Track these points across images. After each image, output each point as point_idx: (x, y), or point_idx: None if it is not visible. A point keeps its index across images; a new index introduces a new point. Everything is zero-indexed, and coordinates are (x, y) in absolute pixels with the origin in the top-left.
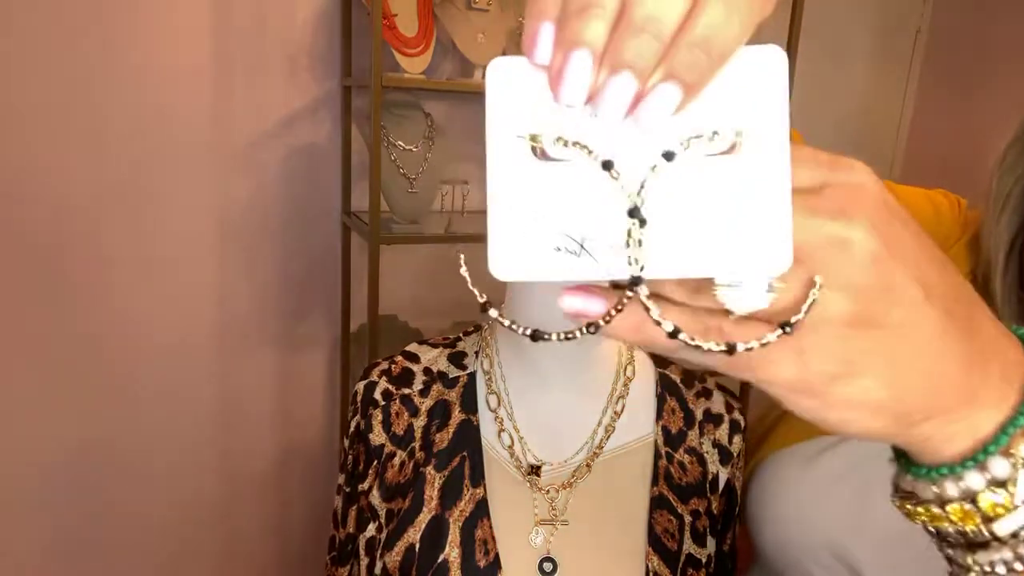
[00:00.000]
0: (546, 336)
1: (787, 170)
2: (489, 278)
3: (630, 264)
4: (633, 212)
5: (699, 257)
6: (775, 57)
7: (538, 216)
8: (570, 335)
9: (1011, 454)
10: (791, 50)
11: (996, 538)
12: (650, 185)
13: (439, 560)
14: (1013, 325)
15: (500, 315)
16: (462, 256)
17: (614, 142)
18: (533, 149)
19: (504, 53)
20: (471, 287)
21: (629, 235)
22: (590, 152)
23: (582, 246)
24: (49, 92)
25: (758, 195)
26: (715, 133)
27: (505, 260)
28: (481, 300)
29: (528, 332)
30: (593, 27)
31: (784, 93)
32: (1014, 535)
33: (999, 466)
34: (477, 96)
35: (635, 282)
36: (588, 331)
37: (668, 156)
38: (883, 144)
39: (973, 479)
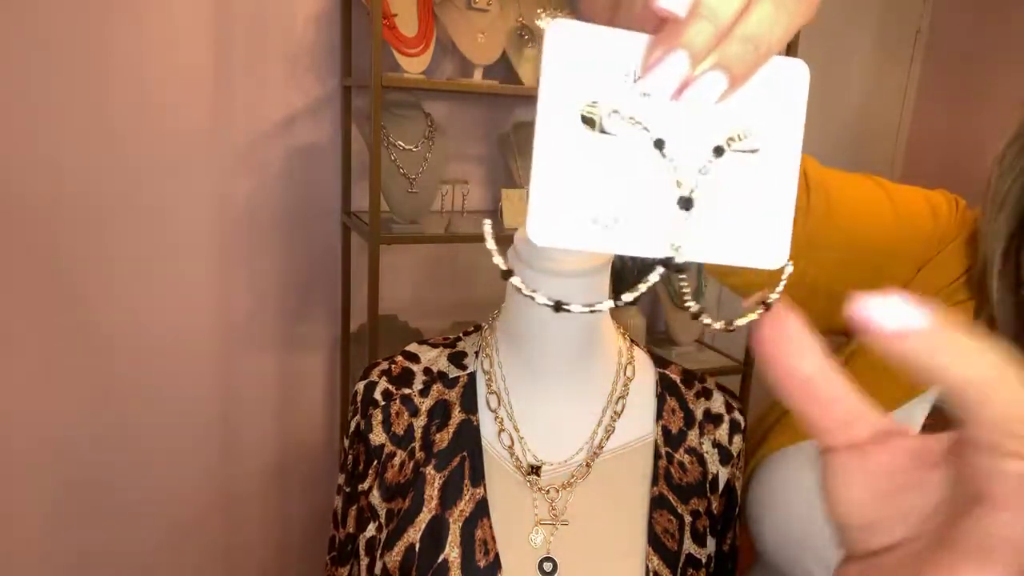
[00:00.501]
0: (567, 307)
1: (796, 175)
2: (484, 277)
3: (672, 247)
4: (686, 202)
5: (715, 246)
6: (800, 71)
7: (580, 186)
8: (593, 308)
9: None
10: (791, 50)
11: None
12: (702, 177)
13: (439, 560)
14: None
15: (522, 284)
16: (488, 223)
17: (661, 126)
18: (585, 119)
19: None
20: (495, 256)
21: (684, 208)
22: (647, 129)
23: (617, 220)
24: (49, 92)
25: (767, 195)
26: (744, 136)
27: (543, 225)
28: (504, 268)
29: (551, 303)
30: (700, 28)
31: (803, 105)
32: None
33: None
34: (477, 96)
35: (666, 263)
36: (620, 302)
37: (718, 151)
38: (883, 144)
39: None
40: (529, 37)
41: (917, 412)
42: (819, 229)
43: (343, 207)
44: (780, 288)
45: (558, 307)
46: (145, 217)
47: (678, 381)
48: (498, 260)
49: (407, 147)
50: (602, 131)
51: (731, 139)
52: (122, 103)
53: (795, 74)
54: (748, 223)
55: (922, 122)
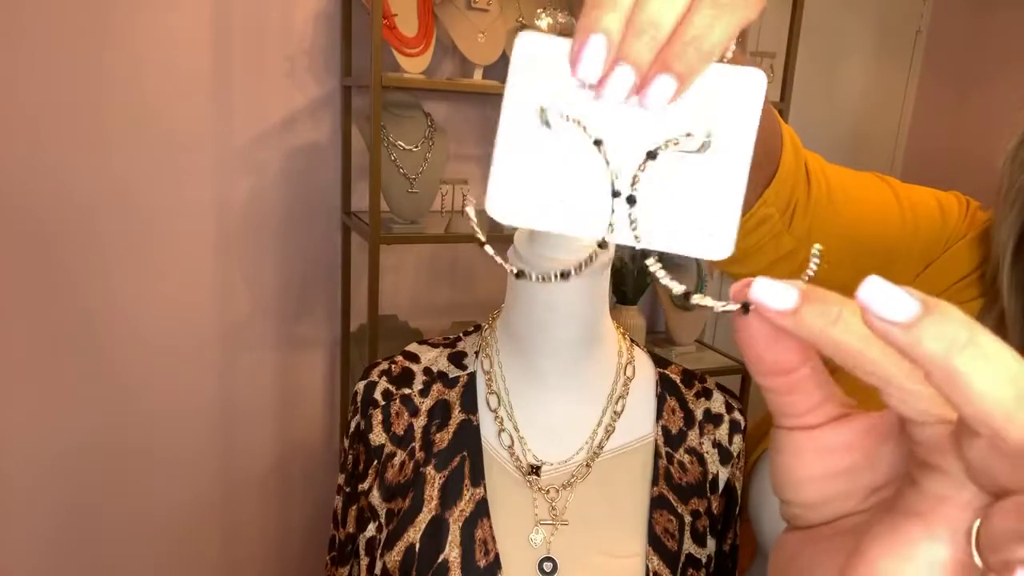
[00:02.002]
0: (529, 276)
1: (746, 175)
2: (484, 277)
3: (608, 229)
4: (619, 194)
5: (659, 234)
6: (756, 79)
7: (532, 174)
8: (545, 277)
9: None
10: (791, 50)
11: None
12: (638, 176)
13: (439, 560)
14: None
15: (495, 253)
16: (471, 202)
17: (609, 126)
18: (540, 118)
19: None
20: (474, 227)
21: (613, 207)
22: (585, 129)
23: (562, 204)
24: (49, 92)
25: (717, 192)
26: (688, 135)
27: (500, 204)
28: (482, 239)
29: (514, 271)
30: (609, 18)
31: (757, 110)
32: None
33: None
34: (477, 96)
35: (602, 244)
36: (562, 277)
37: (652, 155)
38: (883, 144)
39: None
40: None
41: None
42: (819, 220)
43: (343, 207)
44: (812, 270)
45: (519, 275)
46: (145, 217)
47: (678, 381)
48: (477, 230)
49: (407, 147)
50: (553, 129)
51: (670, 141)
52: (122, 103)
53: (752, 82)
54: (695, 216)
55: (922, 122)
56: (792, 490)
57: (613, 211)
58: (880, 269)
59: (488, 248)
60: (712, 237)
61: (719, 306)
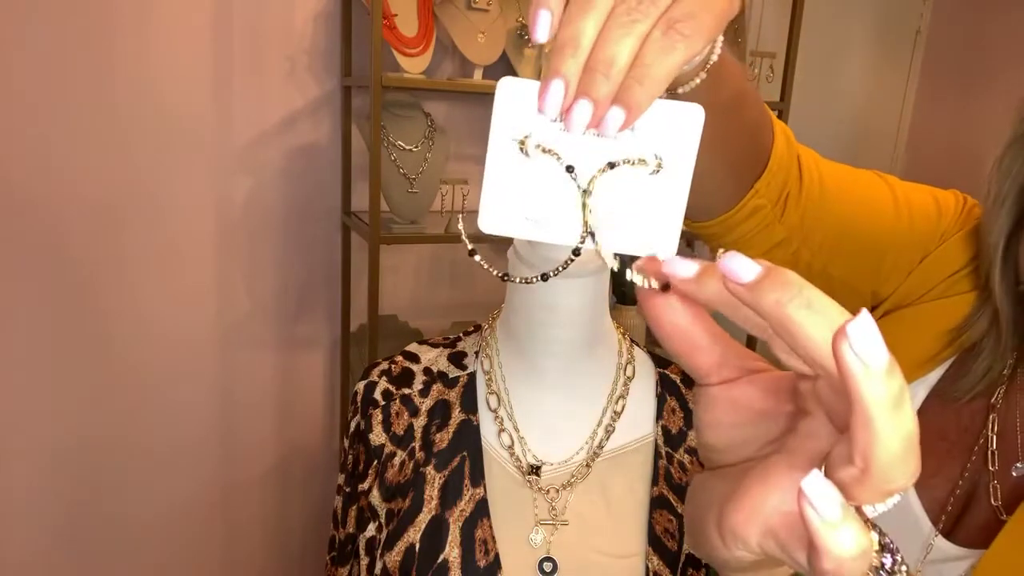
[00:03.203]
0: (514, 279)
1: (687, 190)
2: (484, 277)
3: (583, 230)
4: (584, 194)
5: (619, 239)
6: (696, 113)
7: (515, 194)
8: (529, 280)
9: None
10: (791, 50)
11: None
12: (598, 180)
13: (439, 560)
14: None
15: (482, 260)
16: (460, 219)
17: (576, 152)
18: (520, 148)
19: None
20: (463, 237)
21: (584, 210)
22: (559, 158)
23: (542, 218)
24: (50, 92)
25: (663, 205)
26: (640, 160)
27: (489, 219)
28: (469, 247)
29: (499, 274)
30: (568, 64)
31: (697, 138)
32: None
33: None
34: (477, 96)
35: (576, 252)
36: (542, 279)
37: (612, 164)
38: (883, 144)
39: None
40: (529, 37)
41: (920, 392)
42: (811, 211)
43: (343, 207)
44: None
45: (504, 278)
46: (145, 217)
47: (678, 381)
48: (465, 239)
49: (407, 147)
50: (531, 157)
51: (626, 161)
52: (122, 103)
53: (692, 115)
54: (646, 224)
55: (922, 122)
56: (704, 435)
57: (585, 223)
58: (873, 261)
59: (476, 257)
60: (660, 240)
61: (644, 282)
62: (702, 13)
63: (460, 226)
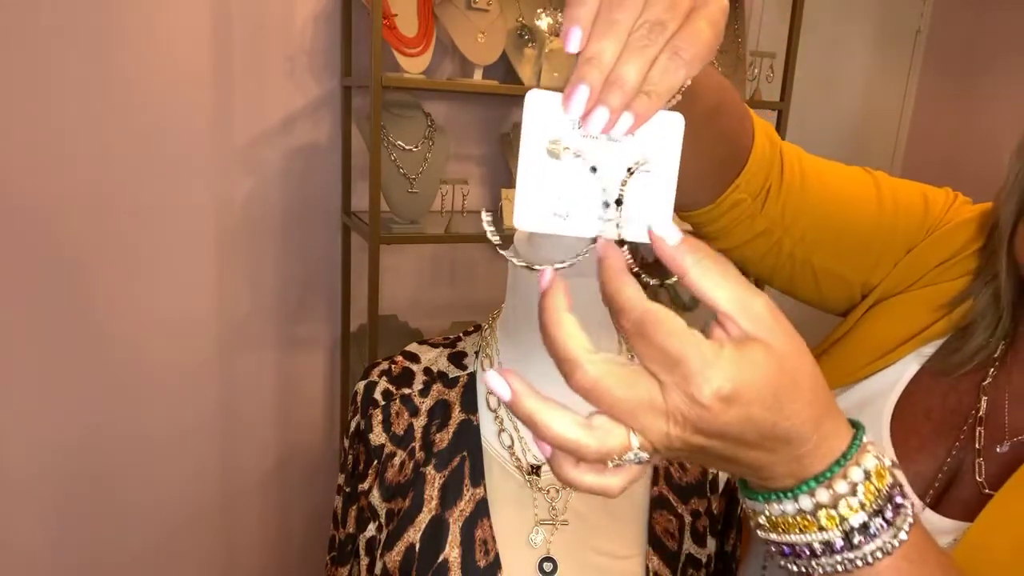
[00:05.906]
0: (537, 267)
1: (674, 186)
2: (484, 277)
3: (614, 224)
4: (619, 200)
5: (627, 229)
6: (677, 121)
7: (545, 193)
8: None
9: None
10: (791, 50)
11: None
12: (626, 187)
13: (439, 560)
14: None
15: (507, 252)
16: (487, 214)
17: (597, 154)
18: (550, 152)
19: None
20: (490, 236)
21: (607, 207)
22: (584, 159)
23: (568, 214)
24: (50, 92)
25: (655, 199)
26: (648, 161)
27: (522, 217)
28: (497, 243)
29: (523, 264)
30: (594, 75)
31: (679, 141)
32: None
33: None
34: (477, 96)
35: (594, 240)
36: (566, 266)
37: (631, 171)
38: (883, 144)
39: (839, 486)
40: (529, 37)
41: (912, 365)
42: (792, 205)
43: (343, 207)
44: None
45: (530, 267)
46: (145, 217)
47: None
48: (494, 238)
49: (407, 147)
50: (559, 160)
51: (638, 163)
52: (122, 103)
53: (674, 123)
54: (643, 216)
55: (922, 122)
56: None
57: (607, 218)
58: (858, 252)
59: (505, 252)
60: (656, 226)
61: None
62: (698, 43)
63: (486, 219)
